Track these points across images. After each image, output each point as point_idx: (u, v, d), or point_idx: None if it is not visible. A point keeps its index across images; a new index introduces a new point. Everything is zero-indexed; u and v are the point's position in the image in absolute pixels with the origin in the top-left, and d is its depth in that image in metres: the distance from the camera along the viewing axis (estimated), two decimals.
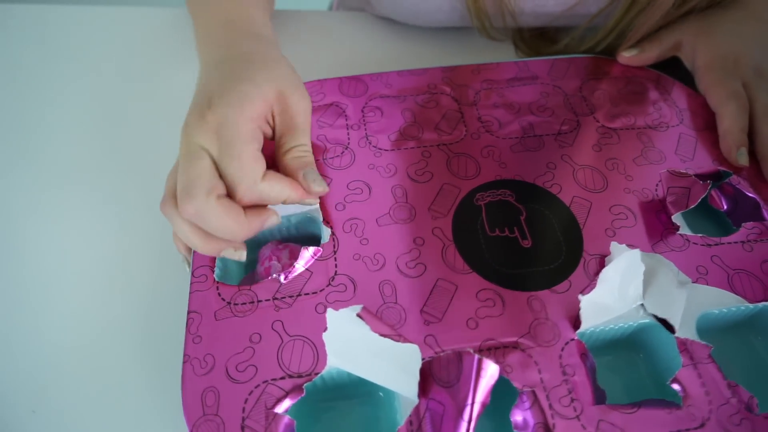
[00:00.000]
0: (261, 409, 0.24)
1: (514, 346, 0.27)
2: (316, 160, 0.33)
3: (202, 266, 0.29)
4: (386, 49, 0.45)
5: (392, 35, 0.46)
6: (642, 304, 0.28)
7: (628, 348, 0.30)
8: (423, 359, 0.26)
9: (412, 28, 0.46)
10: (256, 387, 0.25)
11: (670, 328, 0.28)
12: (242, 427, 0.24)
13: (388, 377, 0.25)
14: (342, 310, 0.25)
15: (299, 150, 0.29)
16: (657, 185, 0.33)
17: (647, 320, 0.28)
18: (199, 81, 0.30)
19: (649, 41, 0.40)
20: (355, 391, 0.27)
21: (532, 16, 0.42)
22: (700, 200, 0.34)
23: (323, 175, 0.33)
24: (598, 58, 0.41)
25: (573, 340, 0.27)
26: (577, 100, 0.37)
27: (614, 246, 0.27)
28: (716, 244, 0.31)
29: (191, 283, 0.28)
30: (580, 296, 0.27)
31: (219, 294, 0.28)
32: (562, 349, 0.27)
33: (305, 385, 0.25)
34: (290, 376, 0.25)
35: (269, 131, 0.29)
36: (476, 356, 0.24)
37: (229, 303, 0.28)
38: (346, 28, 0.46)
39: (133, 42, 0.45)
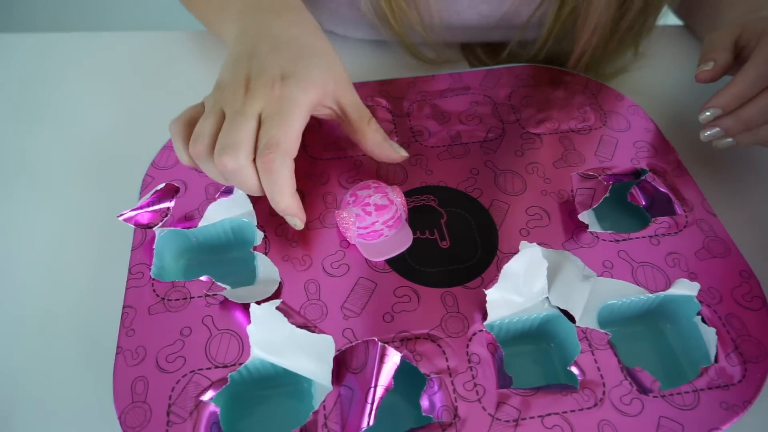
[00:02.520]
0: (187, 397, 0.27)
1: (425, 337, 0.29)
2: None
3: (139, 264, 0.32)
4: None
5: (344, 50, 0.49)
6: (547, 297, 0.31)
7: (540, 339, 0.32)
8: (338, 350, 0.28)
9: (364, 44, 0.49)
10: (183, 376, 0.28)
11: (571, 318, 0.30)
12: (168, 413, 0.27)
13: (305, 366, 0.28)
14: (264, 305, 0.27)
15: (376, 122, 0.35)
16: (572, 187, 0.35)
17: (552, 312, 0.30)
18: (245, 39, 0.33)
19: (714, 49, 0.36)
20: (281, 383, 0.30)
21: (461, 29, 0.45)
22: (620, 198, 0.37)
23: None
24: (530, 66, 0.43)
25: (481, 331, 0.29)
26: (505, 108, 0.40)
27: (523, 244, 0.29)
28: (624, 240, 0.33)
29: (127, 280, 0.31)
30: (485, 290, 0.29)
31: (154, 290, 0.31)
32: (470, 339, 0.29)
33: (230, 374, 0.28)
34: (216, 367, 0.28)
35: (325, 115, 0.34)
36: (380, 344, 0.26)
37: (163, 299, 0.30)
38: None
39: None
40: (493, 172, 0.36)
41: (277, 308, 0.28)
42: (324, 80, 0.32)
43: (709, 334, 0.29)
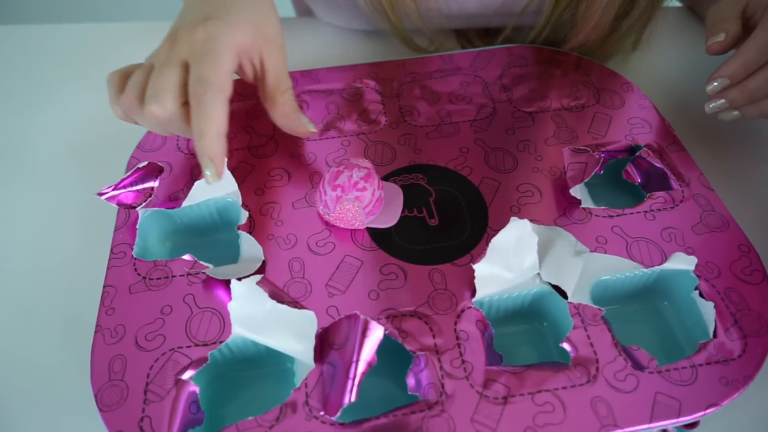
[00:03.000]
0: (166, 375, 0.26)
1: (412, 314, 0.28)
2: (242, 149, 0.36)
3: (121, 244, 0.31)
4: (333, 52, 0.47)
5: (340, 40, 0.48)
6: (538, 273, 0.30)
7: (533, 317, 0.31)
8: (322, 328, 0.27)
9: (360, 33, 0.48)
10: (162, 354, 0.27)
11: (563, 294, 0.29)
12: (145, 392, 0.26)
13: (287, 343, 0.27)
14: (245, 280, 0.26)
15: (292, 93, 0.34)
16: (564, 162, 0.34)
17: (543, 288, 0.29)
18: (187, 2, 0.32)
19: (723, 20, 0.35)
20: (263, 363, 0.29)
21: (459, 17, 0.44)
22: (614, 175, 0.36)
23: (246, 163, 0.35)
24: (521, 47, 0.42)
25: (470, 308, 0.29)
26: (496, 87, 0.39)
27: (513, 220, 0.28)
28: (618, 215, 0.32)
29: (109, 259, 0.30)
30: (473, 265, 0.28)
31: (135, 269, 0.30)
32: (458, 317, 0.28)
33: (210, 353, 0.27)
34: (197, 345, 0.27)
35: (249, 71, 0.32)
36: (362, 318, 0.26)
37: (144, 278, 0.30)
38: (299, 32, 0.49)
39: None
40: (483, 150, 0.36)
41: (259, 285, 0.27)
42: (252, 28, 0.31)
43: (708, 309, 0.28)
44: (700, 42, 0.37)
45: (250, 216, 0.32)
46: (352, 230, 0.32)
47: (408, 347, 0.27)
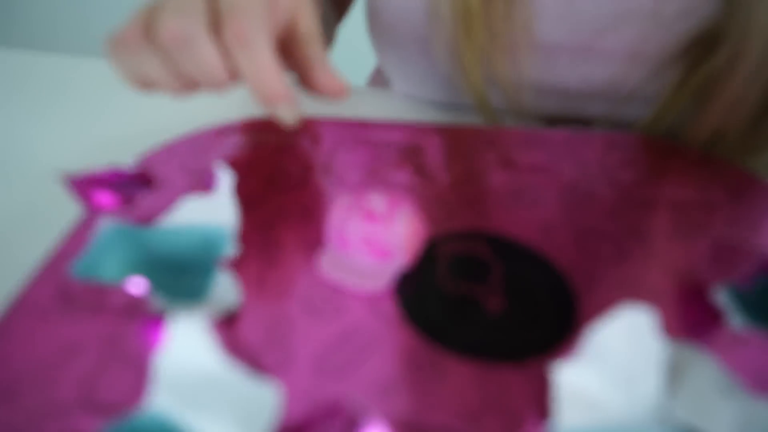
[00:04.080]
0: None
1: (443, 429, 0.17)
2: (257, 179, 0.28)
3: (57, 255, 0.23)
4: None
5: (418, 113, 0.42)
6: (664, 408, 0.18)
7: None
8: (290, 423, 0.16)
9: (438, 108, 0.43)
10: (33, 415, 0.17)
11: None
12: None
13: (222, 428, 0.16)
14: (192, 321, 0.17)
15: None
16: (699, 265, 0.24)
17: None
18: None
19: None
20: None
21: (555, 94, 0.37)
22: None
23: (255, 193, 0.27)
24: (631, 135, 0.34)
25: None
26: (594, 167, 0.31)
27: (628, 309, 0.18)
28: None
29: (37, 269, 0.22)
30: (555, 369, 0.17)
31: (64, 287, 0.21)
32: None
33: None
34: (82, 410, 0.17)
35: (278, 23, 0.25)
36: (358, 415, 0.15)
37: (67, 300, 0.21)
38: (373, 103, 0.44)
39: None
40: (573, 232, 0.26)
41: (217, 331, 0.17)
42: None
43: None
44: None
45: (239, 252, 0.23)
46: (372, 296, 0.22)
47: None
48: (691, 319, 0.21)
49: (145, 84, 0.25)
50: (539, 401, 0.18)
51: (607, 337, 0.17)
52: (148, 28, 0.22)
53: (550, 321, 0.21)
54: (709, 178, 0.30)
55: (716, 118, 0.31)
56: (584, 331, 0.20)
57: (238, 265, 0.23)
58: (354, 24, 0.50)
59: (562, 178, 0.29)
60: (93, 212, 0.24)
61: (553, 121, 0.40)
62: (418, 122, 0.34)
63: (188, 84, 0.24)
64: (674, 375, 0.18)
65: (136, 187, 0.26)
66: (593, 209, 0.27)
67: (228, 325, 0.20)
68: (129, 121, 0.38)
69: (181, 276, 0.26)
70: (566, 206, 0.27)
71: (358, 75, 0.60)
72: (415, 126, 0.34)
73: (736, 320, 0.21)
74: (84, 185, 0.25)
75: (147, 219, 0.25)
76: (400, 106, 0.42)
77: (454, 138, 0.33)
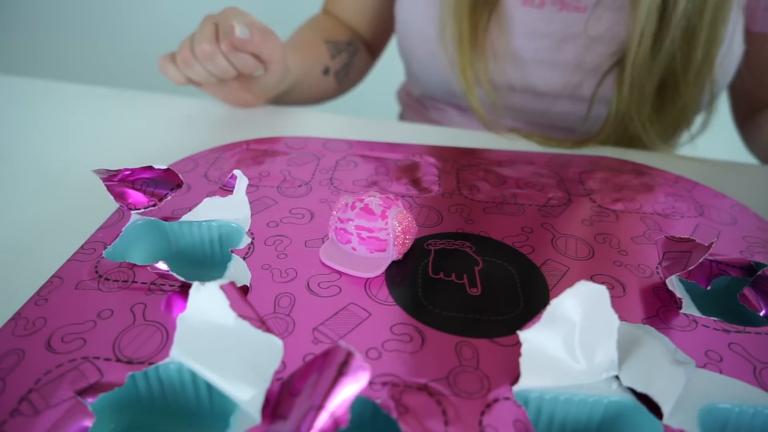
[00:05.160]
0: (60, 386, 0.19)
1: (421, 387, 0.19)
2: (270, 187, 0.31)
3: (96, 242, 0.26)
4: None
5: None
6: (616, 376, 0.20)
7: None
8: (286, 376, 0.19)
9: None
10: (70, 361, 0.19)
11: (655, 411, 0.19)
12: (21, 399, 0.18)
13: (235, 381, 0.19)
14: (210, 283, 0.20)
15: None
16: (659, 264, 0.26)
17: (624, 398, 0.20)
18: None
19: None
20: (192, 420, 0.20)
21: (526, 94, 0.47)
22: (726, 296, 0.27)
23: (269, 198, 0.30)
24: (605, 158, 0.37)
25: (507, 399, 0.19)
26: (574, 184, 0.34)
27: (582, 283, 0.20)
28: (738, 332, 0.23)
29: (74, 253, 0.25)
30: (519, 333, 0.20)
31: (96, 267, 0.24)
32: (488, 406, 0.19)
33: (131, 374, 0.19)
34: (119, 360, 0.20)
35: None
36: (344, 349, 0.17)
37: (100, 276, 0.24)
38: (405, 135, 0.47)
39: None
40: (551, 234, 0.29)
41: (225, 290, 0.20)
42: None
43: None
44: None
45: (251, 243, 0.27)
46: (366, 279, 0.25)
47: (404, 428, 0.18)
48: (653, 307, 0.24)
49: (188, 82, 0.43)
50: (510, 370, 0.20)
51: (568, 306, 0.20)
52: (190, 53, 0.41)
53: (523, 305, 0.24)
54: (680, 197, 0.33)
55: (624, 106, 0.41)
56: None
57: (248, 253, 0.26)
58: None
59: (543, 192, 0.32)
60: (126, 208, 0.28)
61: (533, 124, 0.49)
62: (416, 145, 0.38)
63: (213, 78, 0.43)
64: (625, 350, 0.21)
65: (165, 187, 0.30)
66: (570, 218, 0.30)
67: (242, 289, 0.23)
68: (148, 143, 0.42)
69: (199, 267, 0.29)
70: (545, 215, 0.30)
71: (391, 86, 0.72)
72: (414, 146, 0.37)
73: (689, 309, 0.24)
74: (113, 183, 0.28)
75: (172, 216, 0.28)
76: (409, 134, 0.46)
77: (446, 156, 0.36)
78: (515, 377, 0.20)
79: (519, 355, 0.20)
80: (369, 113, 0.52)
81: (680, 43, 0.39)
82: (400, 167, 0.35)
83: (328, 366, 0.17)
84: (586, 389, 0.20)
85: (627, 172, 0.36)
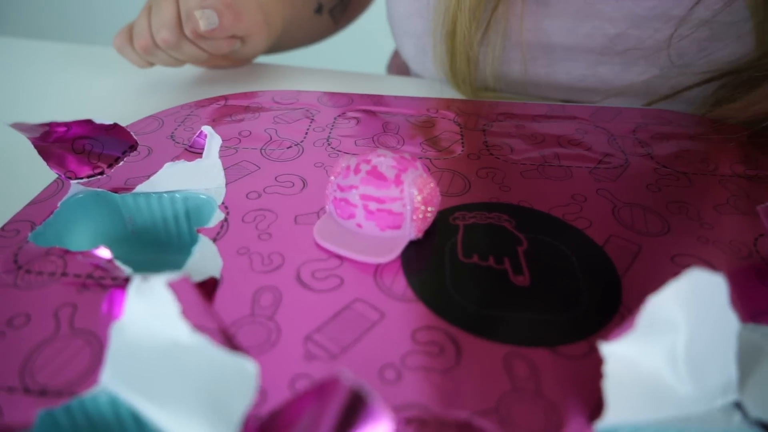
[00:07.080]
0: None
1: (462, 426, 0.14)
2: (252, 149, 0.25)
3: (22, 221, 0.20)
4: None
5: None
6: (737, 403, 0.14)
7: None
8: (269, 412, 0.13)
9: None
10: None
11: None
12: None
13: (184, 416, 0.13)
14: (154, 279, 0.14)
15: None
16: (757, 239, 0.20)
17: None
18: None
19: None
20: None
21: (549, 87, 0.36)
22: None
23: (249, 162, 0.24)
24: (662, 110, 0.31)
25: None
26: (629, 141, 0.27)
27: (693, 271, 0.14)
28: None
29: None
30: (601, 346, 0.14)
31: (15, 255, 0.18)
32: None
33: (44, 413, 0.13)
34: (27, 391, 0.14)
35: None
36: (352, 386, 0.11)
37: (19, 267, 0.18)
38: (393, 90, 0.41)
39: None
40: (610, 202, 0.22)
41: (175, 288, 0.14)
42: None
43: None
44: None
45: (225, 220, 0.20)
46: (378, 265, 0.18)
47: None
48: (762, 299, 0.18)
49: (150, 65, 0.36)
50: (584, 393, 0.14)
51: (666, 308, 0.14)
52: (149, 39, 0.33)
53: (589, 300, 0.18)
54: (762, 153, 0.27)
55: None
56: (632, 309, 0.17)
57: (219, 233, 0.20)
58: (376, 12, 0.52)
59: (592, 152, 0.26)
60: (64, 177, 0.22)
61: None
62: (423, 98, 0.31)
63: (180, 63, 0.36)
64: (744, 364, 0.15)
65: (116, 149, 0.23)
66: (632, 183, 0.24)
67: (203, 289, 0.17)
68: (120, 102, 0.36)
69: (160, 251, 0.23)
70: (599, 179, 0.24)
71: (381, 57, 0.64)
72: (428, 99, 0.31)
73: None
74: (56, 142, 0.22)
75: (125, 186, 0.22)
76: (417, 89, 0.39)
77: (467, 110, 0.30)
78: (594, 407, 0.14)
79: (597, 372, 0.14)
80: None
81: None
82: (412, 124, 0.28)
83: (325, 407, 0.11)
84: (696, 423, 0.14)
85: (691, 126, 0.29)
